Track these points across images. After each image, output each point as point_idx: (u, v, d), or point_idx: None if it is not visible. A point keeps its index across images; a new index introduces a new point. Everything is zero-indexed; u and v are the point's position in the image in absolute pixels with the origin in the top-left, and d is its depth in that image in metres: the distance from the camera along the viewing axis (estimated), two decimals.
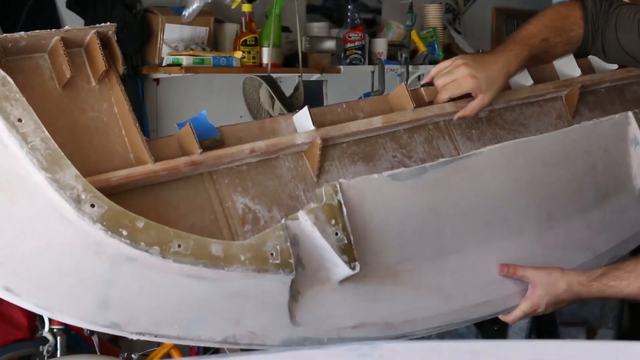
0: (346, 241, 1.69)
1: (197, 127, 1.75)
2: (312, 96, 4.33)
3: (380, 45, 5.00)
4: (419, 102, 2.11)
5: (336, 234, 1.68)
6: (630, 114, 2.21)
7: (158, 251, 1.50)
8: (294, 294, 1.69)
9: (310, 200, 1.86)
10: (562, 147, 2.10)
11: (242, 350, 1.74)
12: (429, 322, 1.94)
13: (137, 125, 1.71)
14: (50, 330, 3.42)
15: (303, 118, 1.90)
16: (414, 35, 5.10)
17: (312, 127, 1.88)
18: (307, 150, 1.92)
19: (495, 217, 2.01)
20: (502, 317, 2.05)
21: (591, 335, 4.15)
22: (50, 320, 3.42)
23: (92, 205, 1.47)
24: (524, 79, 2.30)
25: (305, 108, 1.89)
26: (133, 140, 1.71)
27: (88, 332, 3.52)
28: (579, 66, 2.43)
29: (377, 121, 2.00)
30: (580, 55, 2.41)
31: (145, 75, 4.19)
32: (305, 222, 1.68)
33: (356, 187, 1.75)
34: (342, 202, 1.71)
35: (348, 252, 1.69)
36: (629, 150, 2.22)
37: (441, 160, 1.90)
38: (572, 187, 2.14)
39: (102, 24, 1.70)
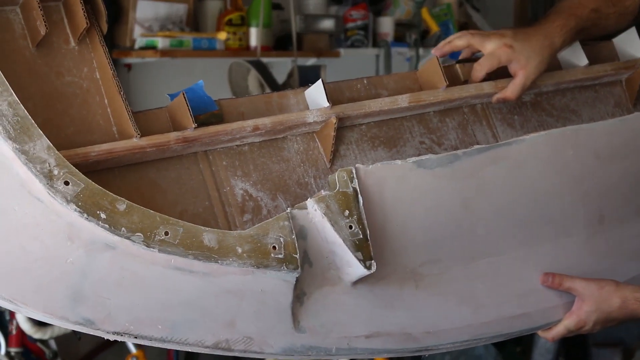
0: (361, 236, 1.64)
1: (192, 99, 1.69)
2: (307, 84, 4.30)
3: (386, 25, 5.00)
4: (453, 81, 2.05)
5: (350, 227, 1.64)
6: None
7: (141, 238, 1.46)
8: (299, 295, 1.66)
9: (322, 188, 1.83)
10: (620, 138, 2.05)
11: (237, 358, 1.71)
12: (455, 334, 1.89)
13: (122, 93, 1.66)
14: (7, 353, 3.40)
15: (316, 93, 1.84)
16: (424, 13, 5.10)
17: (327, 104, 1.82)
18: (320, 130, 1.86)
19: (537, 217, 1.96)
20: (541, 334, 2.00)
21: (628, 357, 4.15)
22: (7, 342, 3.41)
23: (66, 183, 1.43)
24: (578, 57, 2.22)
25: (320, 81, 1.83)
26: (117, 111, 1.67)
27: (50, 355, 3.50)
28: None
29: (403, 100, 1.93)
30: None
31: (114, 60, 4.11)
32: (314, 213, 1.63)
33: (375, 174, 1.71)
34: (358, 190, 1.66)
35: (363, 249, 1.64)
36: None
37: (476, 147, 1.85)
38: (629, 187, 2.09)
39: None
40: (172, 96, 1.72)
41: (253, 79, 4.11)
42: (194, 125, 1.66)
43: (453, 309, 1.88)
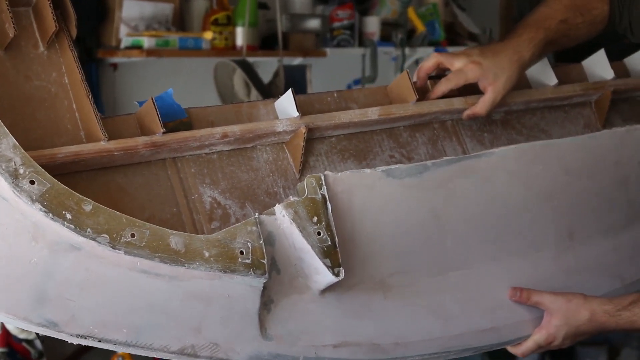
0: (330, 242, 1.64)
1: (161, 106, 1.69)
2: (293, 83, 4.31)
3: (373, 25, 5.00)
4: (424, 96, 2.06)
5: (319, 233, 1.64)
6: None
7: (107, 240, 1.45)
8: (267, 303, 1.66)
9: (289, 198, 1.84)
10: (589, 154, 2.05)
11: None
12: (423, 346, 1.89)
13: (90, 97, 1.65)
14: None
15: (286, 103, 1.84)
16: (411, 12, 5.10)
17: (297, 114, 1.81)
18: (290, 141, 1.86)
19: (507, 230, 1.97)
20: (511, 349, 2.01)
21: (613, 355, 4.17)
22: None
23: (32, 182, 1.42)
24: (547, 77, 2.22)
25: (289, 92, 1.83)
26: (85, 115, 1.66)
27: (36, 355, 3.49)
28: (613, 70, 2.33)
29: (373, 112, 1.92)
30: (613, 55, 2.35)
31: (100, 60, 4.16)
32: (282, 219, 1.64)
33: (344, 182, 1.71)
34: (326, 197, 1.67)
35: (332, 256, 1.64)
36: None
37: (446, 158, 1.86)
38: (598, 203, 2.09)
39: None
40: (141, 103, 1.72)
41: (239, 78, 4.11)
42: (162, 130, 1.65)
43: (422, 320, 1.88)
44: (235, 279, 1.56)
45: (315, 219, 1.65)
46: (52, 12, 1.63)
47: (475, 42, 5.40)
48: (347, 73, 5.01)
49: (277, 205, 1.65)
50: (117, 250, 1.46)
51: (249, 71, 4.11)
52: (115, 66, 4.28)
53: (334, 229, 1.66)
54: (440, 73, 2.08)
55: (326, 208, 1.66)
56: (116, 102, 4.31)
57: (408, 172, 1.79)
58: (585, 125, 2.30)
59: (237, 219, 1.77)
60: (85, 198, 1.46)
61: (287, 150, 1.87)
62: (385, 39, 5.05)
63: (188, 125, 1.76)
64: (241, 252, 1.56)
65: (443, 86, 2.02)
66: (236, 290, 1.59)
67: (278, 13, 4.41)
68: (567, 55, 2.41)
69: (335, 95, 1.97)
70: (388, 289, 1.84)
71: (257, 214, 1.63)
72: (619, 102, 2.39)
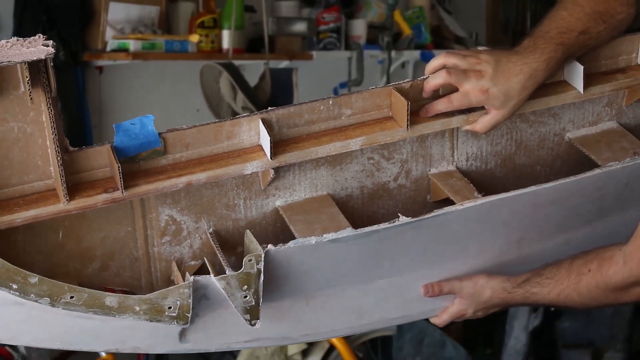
0: (253, 303, 1.69)
1: (137, 133, 1.71)
2: (280, 86, 4.32)
3: (359, 28, 5.00)
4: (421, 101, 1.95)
5: (245, 297, 1.69)
6: None
7: (48, 301, 1.56)
8: (192, 317, 1.70)
9: (248, 209, 1.88)
10: (567, 192, 1.97)
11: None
12: (331, 333, 2.06)
13: (57, 148, 1.66)
14: None
15: (264, 138, 1.79)
16: (397, 15, 5.11)
17: (269, 159, 1.79)
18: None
19: (451, 250, 1.99)
20: (432, 319, 2.17)
21: (597, 358, 4.17)
22: None
23: None
24: (576, 82, 2.02)
25: (268, 139, 1.77)
26: (55, 162, 1.69)
27: (19, 359, 3.50)
28: None
29: (355, 144, 1.86)
30: None
31: (86, 63, 4.13)
32: (215, 283, 1.69)
33: (287, 252, 1.72)
34: (261, 270, 1.69)
35: (252, 312, 1.69)
36: None
37: (400, 220, 1.77)
38: (563, 219, 2.06)
39: (34, 49, 1.59)
40: (118, 127, 1.72)
41: (225, 81, 4.11)
42: (123, 193, 1.68)
43: (336, 316, 1.98)
44: (160, 324, 1.66)
45: (245, 287, 1.68)
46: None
47: (461, 46, 5.39)
48: (333, 76, 5.02)
49: (212, 276, 1.68)
50: (55, 307, 1.57)
51: (235, 74, 4.11)
52: (101, 69, 4.26)
53: (260, 293, 1.69)
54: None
55: (259, 279, 1.69)
56: (102, 106, 4.29)
57: (356, 237, 1.76)
58: (607, 104, 2.17)
59: (188, 232, 1.86)
60: (31, 273, 1.56)
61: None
62: (372, 42, 5.04)
63: (161, 153, 1.75)
64: (169, 307, 1.63)
65: (443, 106, 1.93)
66: (161, 325, 1.68)
67: (264, 16, 4.40)
68: None
69: (330, 102, 1.87)
70: (312, 297, 1.91)
71: (192, 277, 1.66)
72: None
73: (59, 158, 1.65)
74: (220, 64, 4.15)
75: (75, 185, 1.68)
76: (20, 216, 1.64)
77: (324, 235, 1.73)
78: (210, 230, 1.81)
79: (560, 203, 1.99)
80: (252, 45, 4.58)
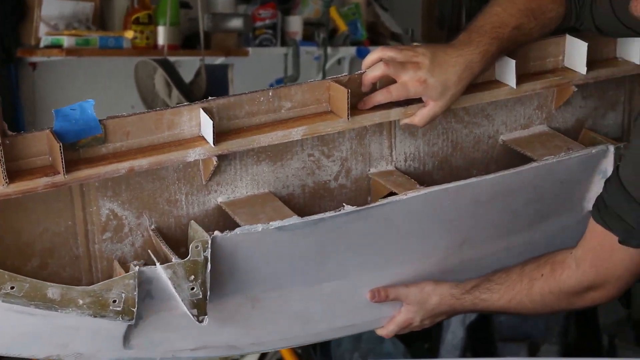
0: (201, 296, 1.70)
1: (77, 119, 1.67)
2: (215, 83, 4.31)
3: (295, 24, 5.01)
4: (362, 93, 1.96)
5: (192, 288, 1.69)
6: (611, 148, 2.07)
7: None
8: (135, 319, 1.71)
9: (190, 205, 1.86)
10: (506, 187, 2.01)
11: None
12: (279, 344, 2.07)
13: None
14: None
15: (205, 129, 1.78)
16: (333, 12, 5.12)
17: (211, 144, 1.77)
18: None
19: (394, 250, 2.01)
20: (378, 331, 2.15)
21: (534, 351, 4.20)
22: None
23: None
24: (507, 75, 2.07)
25: (210, 123, 1.75)
26: None
27: None
28: (601, 46, 2.21)
29: (297, 133, 1.86)
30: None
31: (19, 59, 4.07)
32: (161, 274, 1.68)
33: (233, 240, 1.73)
34: (208, 258, 1.70)
35: (200, 307, 1.70)
36: (592, 178, 2.12)
37: (347, 208, 1.81)
38: (503, 217, 2.09)
39: None
40: (58, 112, 1.69)
41: (160, 77, 4.09)
42: (63, 174, 1.64)
43: (282, 324, 1.98)
44: (104, 320, 1.65)
45: (192, 277, 1.68)
46: None
47: (397, 42, 5.41)
48: (269, 72, 5.00)
49: (158, 265, 1.68)
50: None
51: (170, 70, 4.10)
52: (34, 66, 4.20)
53: (207, 284, 1.70)
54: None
55: (206, 268, 1.69)
56: (36, 102, 4.24)
57: (303, 226, 1.77)
58: (537, 106, 2.21)
59: (130, 228, 1.82)
60: None
61: (200, 162, 1.85)
62: (308, 38, 5.05)
63: (101, 140, 1.72)
64: (114, 301, 1.63)
65: (382, 97, 1.94)
66: (104, 324, 1.67)
67: (200, 12, 4.38)
68: None
69: (270, 94, 1.87)
70: (257, 300, 1.91)
71: (137, 267, 1.67)
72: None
73: None
74: (155, 61, 4.13)
75: (14, 172, 1.62)
76: None
77: (271, 222, 1.74)
78: (153, 227, 1.79)
79: (500, 200, 2.02)
80: (188, 42, 4.56)
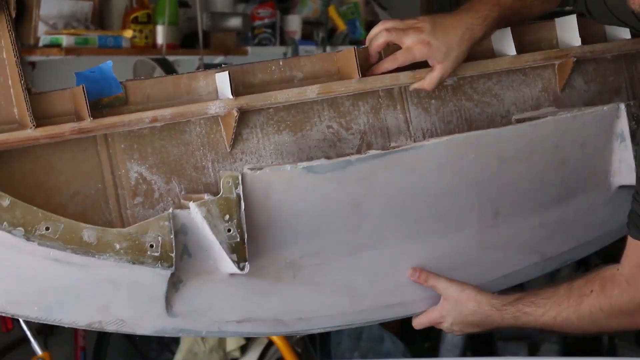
0: (239, 239, 1.71)
1: (98, 80, 1.73)
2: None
3: (294, 23, 4.99)
4: (371, 66, 2.04)
5: (228, 230, 1.70)
6: (622, 106, 2.14)
7: (22, 232, 1.54)
8: (175, 282, 1.73)
9: (217, 173, 1.86)
10: (527, 141, 2.05)
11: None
12: (326, 320, 2.00)
13: (22, 80, 1.66)
14: None
15: (223, 83, 1.84)
16: (332, 11, 5.12)
17: (230, 96, 1.83)
18: (224, 115, 1.87)
19: (429, 213, 2.00)
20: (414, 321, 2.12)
21: (533, 351, 4.22)
22: None
23: None
24: (507, 46, 2.18)
25: (226, 73, 1.83)
26: (19, 95, 1.67)
27: None
28: (588, 27, 2.29)
29: (312, 91, 1.93)
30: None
31: None
32: (195, 214, 1.70)
33: (263, 179, 1.75)
34: (241, 196, 1.71)
35: (239, 251, 1.71)
36: (611, 144, 2.16)
37: (372, 152, 1.88)
38: (530, 183, 2.11)
39: None
40: (79, 75, 1.74)
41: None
42: (89, 119, 1.68)
43: (328, 298, 1.97)
44: (143, 269, 1.65)
45: (227, 217, 1.70)
46: None
47: None
48: None
49: (191, 202, 1.70)
50: (30, 242, 1.54)
51: (169, 70, 4.08)
52: (33, 65, 4.18)
53: (244, 226, 1.72)
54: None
55: (239, 207, 1.71)
56: None
57: (330, 168, 1.82)
58: (542, 89, 2.28)
59: (160, 194, 1.82)
60: (2, 194, 1.53)
61: (221, 124, 1.88)
62: (307, 37, 5.03)
63: (123, 101, 1.77)
64: (151, 246, 1.63)
65: (389, 64, 2.01)
66: (144, 277, 1.67)
67: (199, 11, 4.36)
68: None
69: (281, 63, 1.95)
70: (298, 268, 1.90)
71: (171, 209, 1.68)
72: (585, 62, 2.33)
73: (23, 84, 1.64)
74: (154, 60, 4.12)
75: (39, 121, 1.65)
76: None
77: (298, 163, 1.79)
78: (182, 193, 1.79)
79: (523, 160, 2.06)
80: (187, 41, 4.54)
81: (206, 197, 1.71)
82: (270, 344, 3.59)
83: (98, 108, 1.72)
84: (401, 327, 4.32)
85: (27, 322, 3.17)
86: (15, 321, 3.17)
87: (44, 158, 1.70)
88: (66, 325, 1.71)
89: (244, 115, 1.87)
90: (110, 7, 4.29)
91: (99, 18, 4.22)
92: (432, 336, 4.20)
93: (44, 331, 3.75)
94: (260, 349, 3.58)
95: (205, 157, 1.87)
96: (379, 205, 1.92)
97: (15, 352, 3.74)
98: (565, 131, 2.09)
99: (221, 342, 3.51)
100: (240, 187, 1.71)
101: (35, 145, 1.67)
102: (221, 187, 1.70)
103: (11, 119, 1.65)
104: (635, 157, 1.92)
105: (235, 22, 4.60)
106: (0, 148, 1.62)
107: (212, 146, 1.88)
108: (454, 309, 2.03)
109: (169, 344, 4.10)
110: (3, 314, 1.64)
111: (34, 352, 3.33)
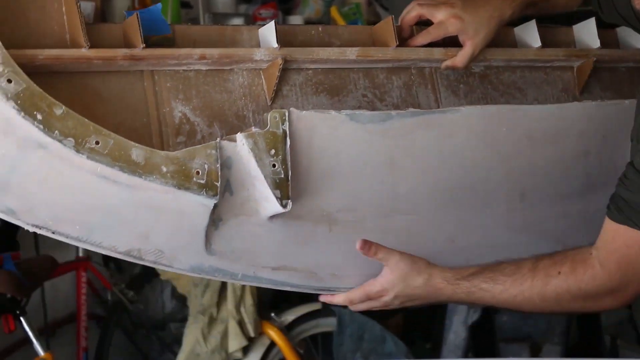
0: (283, 175, 1.73)
1: (146, 19, 1.76)
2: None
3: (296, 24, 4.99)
4: (405, 42, 2.09)
5: (273, 165, 1.72)
6: None
7: (72, 143, 1.54)
8: (215, 220, 1.74)
9: (257, 125, 1.87)
10: (554, 123, 2.10)
11: None
12: (358, 280, 1.98)
13: (78, 4, 1.69)
14: None
15: (267, 32, 1.88)
16: (334, 11, 5.12)
17: (276, 45, 1.87)
18: (266, 68, 1.92)
19: (460, 184, 2.01)
20: (322, 298, 2.00)
21: (535, 352, 4.20)
22: None
23: (9, 81, 1.51)
24: (532, 38, 2.24)
25: (272, 22, 1.87)
26: (72, 20, 1.69)
27: None
28: (603, 37, 2.34)
29: (351, 52, 1.97)
30: (607, 25, 2.33)
31: None
32: (242, 146, 1.70)
33: (308, 120, 1.78)
34: (287, 132, 1.74)
35: (282, 188, 1.72)
36: (628, 144, 2.13)
37: (411, 110, 1.91)
38: (555, 170, 2.14)
39: None
40: (129, 14, 1.77)
41: None
42: (142, 46, 1.71)
43: (360, 257, 1.94)
44: (187, 196, 1.65)
45: (272, 151, 1.72)
46: None
47: None
48: None
49: (239, 133, 1.71)
50: (80, 155, 1.55)
51: None
52: None
53: (289, 163, 1.74)
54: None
55: (285, 143, 1.74)
56: None
57: (371, 119, 1.86)
58: (562, 89, 2.32)
59: (202, 137, 1.84)
60: (57, 102, 1.54)
61: (262, 77, 1.92)
62: None
63: (171, 42, 1.82)
64: (197, 172, 1.64)
65: (422, 38, 2.06)
66: (188, 206, 1.67)
67: (201, 12, 4.37)
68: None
69: (320, 29, 2.03)
70: (334, 222, 1.91)
71: (223, 134, 1.73)
72: (601, 70, 2.38)
73: (78, 6, 1.67)
74: None
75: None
76: (44, 53, 1.62)
77: (342, 110, 1.83)
78: (218, 139, 1.78)
79: (550, 143, 2.10)
80: None
81: (254, 129, 1.72)
82: (273, 345, 3.59)
83: (148, 44, 1.74)
84: (403, 329, 4.33)
85: (29, 323, 3.17)
86: (18, 322, 3.16)
87: (93, 86, 1.72)
88: (104, 250, 1.71)
89: (285, 73, 1.92)
90: (112, 7, 4.28)
91: (101, 18, 4.22)
92: (433, 337, 4.20)
93: (46, 332, 3.76)
94: (263, 350, 3.57)
95: (246, 107, 1.89)
96: (414, 168, 1.95)
97: (17, 353, 3.73)
98: (589, 119, 2.14)
99: (223, 343, 3.51)
100: (287, 123, 1.74)
101: (85, 72, 1.70)
102: (269, 122, 1.73)
103: (63, 45, 1.68)
104: (632, 139, 1.90)
105: (237, 22, 4.60)
106: (54, 66, 1.65)
107: (254, 97, 1.90)
108: (401, 281, 1.92)
109: (171, 344, 4.11)
110: (44, 229, 1.63)
111: (36, 353, 3.33)
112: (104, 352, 3.92)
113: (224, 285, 3.48)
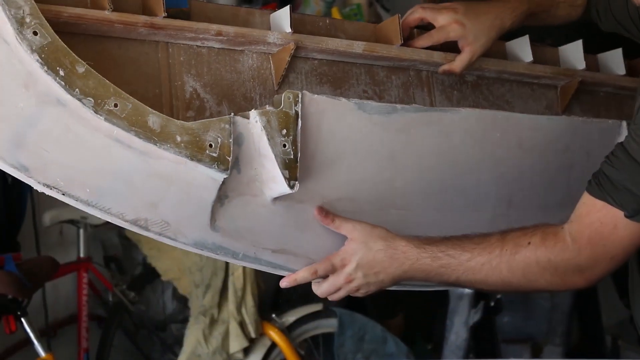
0: (292, 156, 1.74)
1: None
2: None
3: None
4: (407, 44, 2.12)
5: (284, 145, 1.73)
6: (624, 123, 2.24)
7: (92, 103, 1.54)
8: (221, 197, 1.74)
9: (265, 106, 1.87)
10: (544, 134, 2.14)
11: None
12: None
13: None
14: None
15: (282, 17, 1.91)
16: (335, 12, 5.12)
17: (289, 30, 1.90)
18: (276, 53, 1.94)
19: (453, 185, 2.05)
20: (285, 280, 1.91)
21: (537, 353, 4.21)
22: None
23: (35, 33, 1.50)
24: (524, 52, 2.29)
25: (287, 7, 1.90)
26: None
27: None
28: (587, 60, 2.41)
29: (358, 46, 2.01)
30: (601, 39, 2.41)
31: None
32: (255, 124, 1.72)
33: (319, 104, 1.80)
34: (299, 113, 1.76)
35: (291, 169, 1.73)
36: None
37: (415, 105, 1.95)
38: (541, 180, 2.18)
39: None
40: None
41: None
42: (164, 14, 1.73)
43: None
44: (199, 168, 1.65)
45: (284, 131, 1.73)
46: None
47: None
48: None
49: (252, 110, 1.72)
50: (98, 116, 1.55)
51: None
52: None
53: (299, 144, 1.75)
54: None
55: (296, 124, 1.75)
56: None
57: (378, 110, 1.89)
58: (546, 106, 2.38)
59: (211, 114, 1.84)
60: (80, 60, 1.54)
61: (271, 62, 1.96)
62: None
63: (187, 15, 1.83)
64: (210, 145, 1.65)
65: (424, 40, 2.09)
66: (197, 178, 1.68)
67: None
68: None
69: (327, 21, 2.07)
70: (333, 211, 1.92)
71: (232, 113, 1.70)
72: (582, 93, 2.44)
73: None
74: None
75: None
76: (68, 11, 1.63)
77: (351, 99, 1.86)
78: (232, 114, 1.78)
79: (538, 154, 2.15)
80: None
81: (268, 107, 1.74)
82: (274, 346, 3.60)
83: (165, 16, 1.76)
84: (404, 329, 4.34)
85: (30, 324, 3.18)
86: (19, 323, 3.17)
87: (110, 51, 1.73)
88: (112, 217, 1.69)
89: (292, 61, 1.94)
90: None
91: None
92: (434, 338, 4.20)
93: (47, 333, 3.76)
94: (264, 351, 3.58)
95: (254, 89, 1.91)
96: (411, 165, 1.97)
97: (18, 353, 3.73)
98: (575, 134, 2.19)
99: (224, 344, 3.51)
100: (300, 105, 1.76)
101: (103, 37, 1.71)
102: (282, 101, 1.74)
103: (86, 5, 1.69)
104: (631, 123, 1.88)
105: None
106: (75, 27, 1.66)
107: (262, 81, 1.93)
108: (361, 247, 1.85)
109: (172, 345, 4.11)
110: (55, 190, 1.62)
111: (37, 354, 3.33)
112: (105, 353, 3.91)
113: (225, 286, 3.49)
